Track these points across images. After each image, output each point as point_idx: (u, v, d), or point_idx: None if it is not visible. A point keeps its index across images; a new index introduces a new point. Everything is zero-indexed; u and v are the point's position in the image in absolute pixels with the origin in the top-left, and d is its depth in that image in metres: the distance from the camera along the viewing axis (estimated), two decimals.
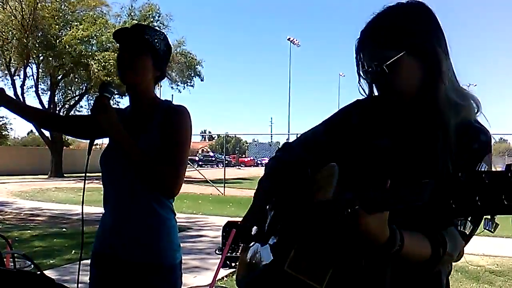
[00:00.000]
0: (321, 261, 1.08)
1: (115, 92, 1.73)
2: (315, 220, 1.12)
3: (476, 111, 1.18)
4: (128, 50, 1.77)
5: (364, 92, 1.29)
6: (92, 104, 1.90)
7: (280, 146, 1.56)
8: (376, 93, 1.29)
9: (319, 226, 1.10)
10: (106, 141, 1.93)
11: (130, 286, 1.80)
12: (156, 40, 1.80)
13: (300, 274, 1.08)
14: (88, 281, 1.90)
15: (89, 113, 1.93)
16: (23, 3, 22.46)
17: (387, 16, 1.19)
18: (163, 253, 1.80)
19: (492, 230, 0.76)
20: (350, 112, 1.37)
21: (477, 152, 1.10)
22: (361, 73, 1.24)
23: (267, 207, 1.43)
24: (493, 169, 1.02)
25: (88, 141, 1.94)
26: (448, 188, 0.73)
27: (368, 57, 1.19)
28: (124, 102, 28.70)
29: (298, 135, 1.54)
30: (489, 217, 0.73)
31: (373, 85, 1.26)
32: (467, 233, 1.07)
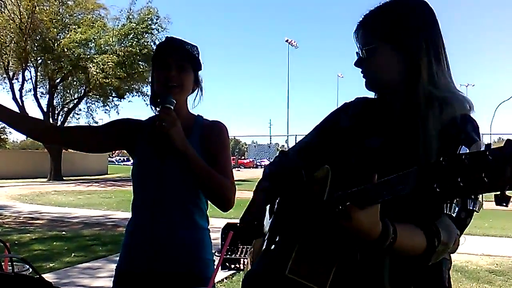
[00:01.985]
0: (322, 263, 1.08)
1: (175, 103, 1.69)
2: (312, 222, 1.12)
3: (468, 108, 1.20)
4: (176, 68, 1.74)
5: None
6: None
7: (278, 153, 1.57)
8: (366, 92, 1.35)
9: (316, 228, 1.11)
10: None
11: None
12: (196, 55, 1.80)
13: (302, 279, 1.08)
14: None
15: (87, 121, 1.90)
16: (21, 6, 22.48)
17: (384, 7, 1.26)
18: (209, 265, 1.80)
19: (477, 210, 0.79)
20: (339, 116, 1.41)
21: (465, 142, 1.11)
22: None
23: (267, 207, 1.43)
24: None
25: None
26: (431, 173, 0.76)
27: (359, 41, 1.28)
28: (122, 105, 28.65)
29: (297, 137, 1.55)
30: (473, 197, 0.75)
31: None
32: (454, 215, 1.07)
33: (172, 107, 1.67)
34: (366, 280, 1.15)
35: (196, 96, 1.89)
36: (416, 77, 1.19)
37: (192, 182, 1.73)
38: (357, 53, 1.29)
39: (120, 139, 1.87)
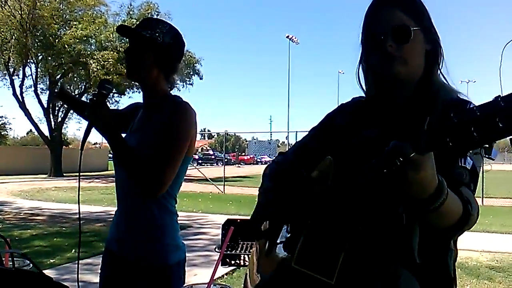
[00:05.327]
0: (330, 252, 1.05)
1: (113, 89, 1.74)
2: (315, 209, 1.11)
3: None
4: (129, 48, 1.81)
5: (359, 83, 1.33)
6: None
7: (277, 154, 1.57)
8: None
9: (320, 215, 1.09)
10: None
11: (127, 284, 1.81)
12: (157, 35, 1.77)
13: (309, 270, 1.07)
14: (99, 279, 1.94)
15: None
16: (22, 2, 22.43)
17: None
18: (171, 251, 1.80)
19: (493, 158, 0.77)
20: (334, 117, 1.40)
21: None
22: (365, 40, 1.23)
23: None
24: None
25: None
26: (444, 128, 0.75)
27: (384, 20, 1.18)
28: (123, 101, 28.55)
29: (297, 133, 1.55)
30: (487, 145, 0.74)
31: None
32: (469, 168, 1.03)
33: (107, 93, 1.71)
34: (393, 253, 1.10)
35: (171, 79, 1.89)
36: (434, 68, 1.20)
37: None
38: (375, 33, 1.18)
39: (125, 124, 1.98)
